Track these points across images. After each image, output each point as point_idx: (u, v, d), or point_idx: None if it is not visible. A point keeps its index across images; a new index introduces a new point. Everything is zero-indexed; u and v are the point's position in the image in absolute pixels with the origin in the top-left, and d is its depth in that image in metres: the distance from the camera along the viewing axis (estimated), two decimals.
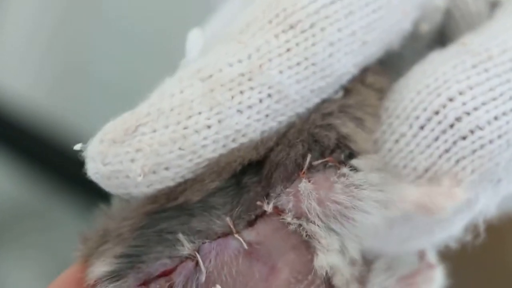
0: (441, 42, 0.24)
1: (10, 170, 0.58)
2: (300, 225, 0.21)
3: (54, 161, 0.54)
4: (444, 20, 0.24)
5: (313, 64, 0.21)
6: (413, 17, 0.23)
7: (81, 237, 0.22)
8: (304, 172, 0.21)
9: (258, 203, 0.21)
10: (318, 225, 0.21)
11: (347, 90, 0.22)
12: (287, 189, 0.21)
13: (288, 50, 0.21)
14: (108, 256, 0.21)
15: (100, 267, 0.21)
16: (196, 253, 0.21)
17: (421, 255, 0.25)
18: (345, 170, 0.21)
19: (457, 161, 0.21)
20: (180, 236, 0.21)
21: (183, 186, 0.21)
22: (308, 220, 0.21)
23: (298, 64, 0.21)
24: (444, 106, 0.21)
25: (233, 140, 0.21)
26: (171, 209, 0.21)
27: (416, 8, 0.23)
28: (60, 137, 0.56)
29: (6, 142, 0.57)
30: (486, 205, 0.22)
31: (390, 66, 0.23)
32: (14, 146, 0.57)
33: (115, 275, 0.21)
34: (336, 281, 0.21)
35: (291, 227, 0.21)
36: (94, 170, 0.21)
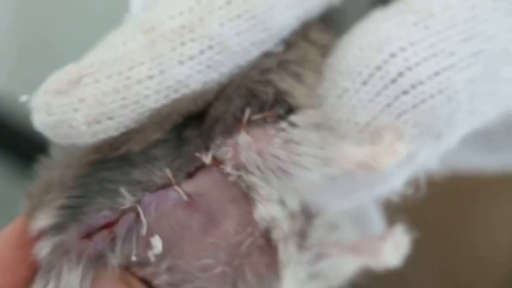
0: (383, 1, 0.24)
1: None
2: (239, 176, 0.21)
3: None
4: None
5: (253, 17, 0.21)
6: None
7: (26, 193, 0.23)
8: (243, 126, 0.21)
9: (198, 154, 0.21)
10: (257, 176, 0.21)
11: (288, 44, 0.22)
12: (227, 141, 0.21)
13: (228, 3, 0.21)
14: (51, 208, 0.21)
15: (43, 220, 0.21)
16: (137, 205, 0.21)
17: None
18: (284, 125, 0.21)
19: (399, 115, 0.21)
20: (122, 188, 0.21)
21: (126, 136, 0.21)
22: (247, 171, 0.21)
23: (238, 16, 0.21)
24: (386, 62, 0.21)
25: (175, 91, 0.21)
26: (113, 160, 0.21)
27: None
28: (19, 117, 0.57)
29: None
30: (427, 159, 0.22)
31: (333, 24, 0.24)
32: None
33: (57, 228, 0.21)
34: (275, 234, 0.22)
35: (231, 178, 0.21)
36: (39, 120, 0.21)
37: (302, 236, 0.23)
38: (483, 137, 0.27)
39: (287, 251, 0.22)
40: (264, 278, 0.22)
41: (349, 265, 0.24)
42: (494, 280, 0.66)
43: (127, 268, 0.22)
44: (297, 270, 0.23)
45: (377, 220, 0.26)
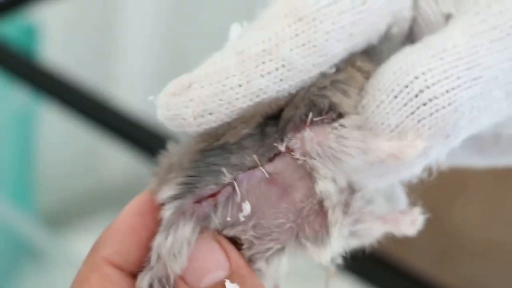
0: (411, 41, 0.31)
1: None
2: (305, 160, 0.28)
3: None
4: (413, 25, 0.31)
5: (314, 46, 0.28)
6: (387, 21, 0.30)
7: (152, 171, 0.29)
8: (307, 125, 0.28)
9: (275, 144, 0.28)
10: (317, 161, 0.28)
11: (339, 68, 0.29)
12: (296, 135, 0.28)
13: (296, 35, 0.28)
14: (173, 183, 0.28)
15: (167, 192, 0.28)
16: (234, 181, 0.28)
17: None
18: (336, 125, 0.28)
19: (419, 121, 0.27)
20: (223, 169, 0.28)
21: (223, 131, 0.28)
22: (310, 157, 0.28)
23: (303, 45, 0.28)
24: (411, 82, 0.27)
25: (257, 96, 0.28)
26: (216, 148, 0.28)
27: (389, 15, 0.30)
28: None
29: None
30: (438, 153, 0.28)
31: (373, 57, 0.30)
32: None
33: (178, 197, 0.28)
34: (327, 203, 0.28)
35: (299, 162, 0.28)
36: (160, 114, 0.28)
37: (346, 205, 0.28)
38: (475, 144, 0.33)
39: (334, 215, 0.28)
40: (318, 233, 0.28)
41: (377, 230, 0.30)
42: (471, 247, 0.74)
43: (220, 231, 0.28)
44: (342, 229, 0.28)
45: (402, 199, 0.32)
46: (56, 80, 0.80)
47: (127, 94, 1.06)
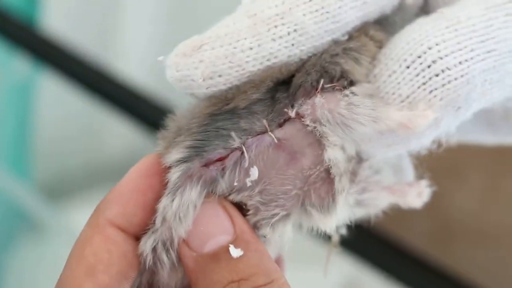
0: (426, 13, 0.30)
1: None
2: (315, 127, 0.28)
3: None
4: None
5: (327, 12, 0.28)
6: None
7: (160, 135, 0.29)
8: (318, 91, 0.28)
9: (285, 110, 0.28)
10: (327, 128, 0.27)
11: (351, 36, 0.29)
12: (307, 101, 0.28)
13: (310, 0, 0.28)
14: (181, 146, 0.28)
15: (175, 155, 0.28)
16: (242, 146, 0.27)
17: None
18: (347, 92, 0.27)
19: (431, 91, 0.27)
20: (232, 133, 0.27)
21: (233, 94, 0.27)
22: (321, 123, 0.27)
23: (316, 10, 0.28)
24: (424, 52, 0.27)
25: (268, 60, 0.28)
26: (225, 112, 0.28)
27: None
28: None
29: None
30: (448, 126, 0.28)
31: (387, 27, 0.30)
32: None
33: (185, 160, 0.27)
34: (333, 170, 0.28)
35: (309, 128, 0.28)
36: (170, 75, 0.28)
37: (353, 174, 0.28)
38: (486, 119, 0.33)
39: (341, 183, 0.28)
40: (324, 200, 0.28)
41: (384, 200, 0.30)
42: (467, 231, 0.74)
43: (226, 196, 0.28)
44: (348, 197, 0.28)
45: (409, 171, 0.32)
46: (57, 49, 0.79)
47: (129, 66, 1.05)
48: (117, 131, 1.10)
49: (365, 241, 0.54)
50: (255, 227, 0.28)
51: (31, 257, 0.96)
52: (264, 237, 0.28)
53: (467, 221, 0.80)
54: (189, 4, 1.09)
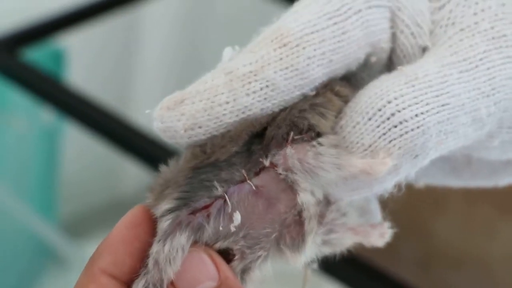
0: (390, 70, 0.32)
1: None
2: (287, 175, 0.29)
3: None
4: (392, 56, 0.32)
5: (296, 69, 0.29)
6: (366, 51, 0.31)
7: (148, 187, 0.30)
8: (289, 143, 0.29)
9: (261, 159, 0.29)
10: (298, 175, 0.29)
11: (318, 92, 0.30)
12: (279, 152, 0.29)
13: (281, 59, 0.29)
14: (169, 198, 0.28)
15: (164, 205, 0.28)
16: (225, 194, 0.29)
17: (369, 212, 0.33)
18: (314, 143, 0.29)
19: (390, 141, 0.28)
20: (215, 183, 0.29)
21: (213, 150, 0.29)
22: (292, 172, 0.29)
23: (286, 68, 0.29)
24: (384, 106, 0.28)
25: (243, 113, 0.29)
26: (207, 166, 0.29)
27: (368, 45, 0.31)
28: None
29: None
30: (408, 171, 0.29)
31: (353, 83, 0.32)
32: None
33: (174, 210, 0.28)
34: (305, 213, 0.29)
35: (281, 176, 0.29)
36: (156, 126, 0.29)
37: (321, 216, 0.29)
38: (449, 165, 0.34)
39: (310, 225, 0.29)
40: (295, 240, 0.29)
41: (349, 240, 0.31)
42: (448, 257, 0.74)
43: (213, 244, 0.28)
44: (316, 238, 0.29)
45: (377, 212, 0.33)
46: (80, 101, 0.82)
47: (145, 115, 1.08)
48: (134, 173, 1.12)
49: (349, 269, 0.55)
50: (245, 271, 0.29)
51: None
52: (252, 279, 0.29)
53: (448, 248, 0.80)
54: (197, 57, 1.12)
